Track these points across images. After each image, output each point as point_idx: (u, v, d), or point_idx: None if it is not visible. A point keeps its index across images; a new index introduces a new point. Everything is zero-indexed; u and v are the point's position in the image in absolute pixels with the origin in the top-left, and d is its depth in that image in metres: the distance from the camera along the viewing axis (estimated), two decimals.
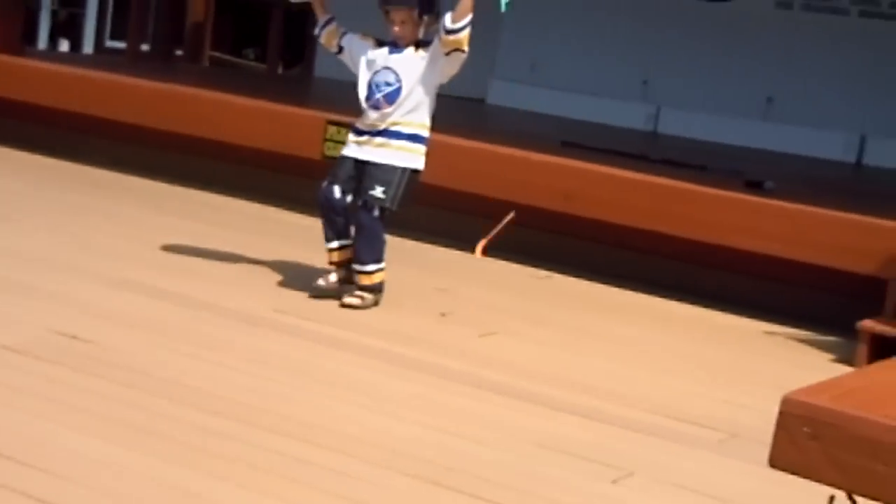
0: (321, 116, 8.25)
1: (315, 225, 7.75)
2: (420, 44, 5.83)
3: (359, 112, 5.94)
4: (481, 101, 12.28)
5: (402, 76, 5.80)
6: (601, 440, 4.34)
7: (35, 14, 22.75)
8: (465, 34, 5.66)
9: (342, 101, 7.28)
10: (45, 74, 9.56)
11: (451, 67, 5.80)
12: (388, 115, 5.80)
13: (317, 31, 6.13)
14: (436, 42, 5.76)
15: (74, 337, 4.76)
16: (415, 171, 5.87)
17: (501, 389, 4.80)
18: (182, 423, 3.96)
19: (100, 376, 4.34)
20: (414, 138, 5.84)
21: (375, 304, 5.90)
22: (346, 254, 5.93)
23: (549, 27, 12.54)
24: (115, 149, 9.21)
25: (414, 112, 5.82)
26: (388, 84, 5.81)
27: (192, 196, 8.41)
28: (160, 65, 12.66)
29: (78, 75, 9.56)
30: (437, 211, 8.02)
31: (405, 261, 7.05)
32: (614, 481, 3.94)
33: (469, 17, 5.64)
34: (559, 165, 7.63)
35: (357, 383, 4.68)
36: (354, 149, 5.90)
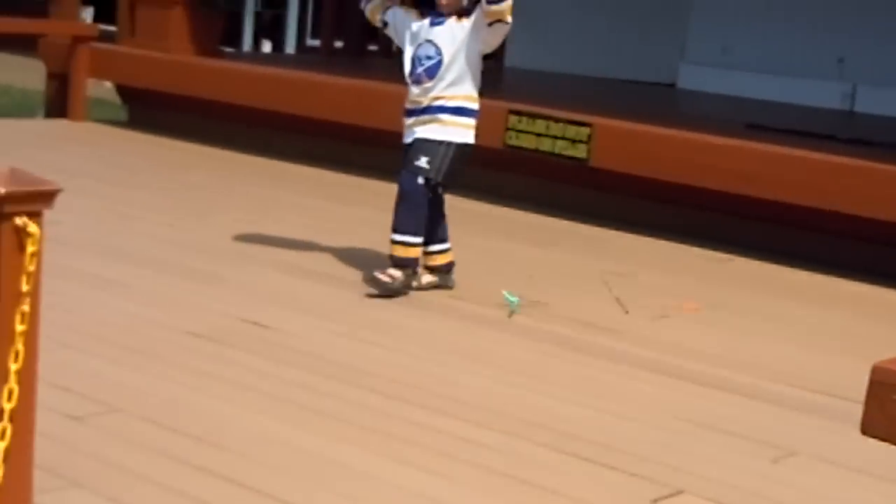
0: (503, 106, 8.36)
1: (493, 213, 7.88)
2: (463, 13, 5.57)
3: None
4: (672, 85, 12.21)
5: (442, 48, 5.56)
6: (763, 420, 4.34)
7: (239, 16, 23.54)
8: (507, 4, 5.35)
9: (526, 90, 7.38)
10: (239, 75, 9.95)
11: (494, 38, 5.52)
12: (430, 89, 5.58)
13: (362, 4, 5.93)
14: (478, 11, 5.47)
15: (256, 323, 5.00)
16: (464, 146, 5.63)
17: (668, 371, 4.83)
18: (355, 405, 4.13)
19: (278, 360, 4.55)
20: (459, 111, 5.60)
21: (405, 286, 5.64)
22: (438, 258, 5.82)
23: (739, 10, 12.39)
24: (305, 143, 9.52)
25: (457, 85, 5.57)
26: (428, 58, 5.59)
27: (379, 187, 8.62)
28: (352, 60, 12.98)
29: (268, 74, 9.92)
30: (612, 195, 8.07)
31: (582, 246, 7.12)
32: (775, 460, 3.94)
33: None
34: (740, 148, 7.57)
35: (526, 366, 4.78)
36: (407, 134, 5.70)
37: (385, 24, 5.86)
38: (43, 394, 3.81)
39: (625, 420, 4.22)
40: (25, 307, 3.06)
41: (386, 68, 13.13)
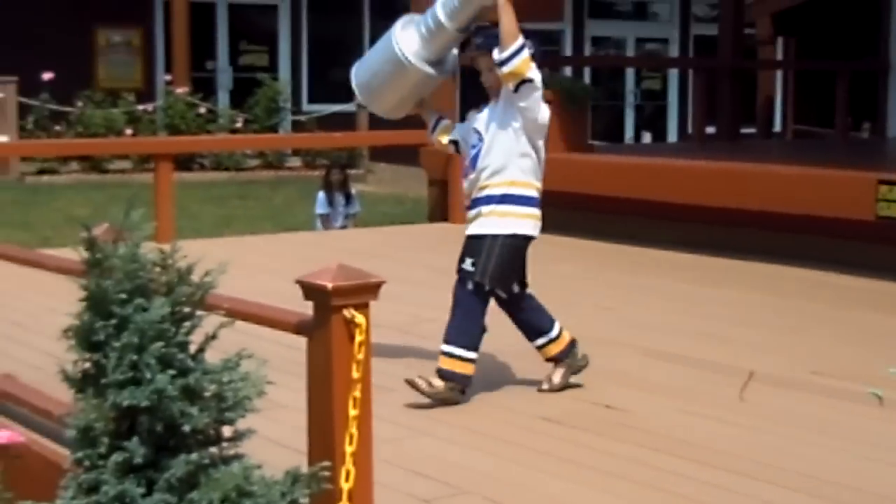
0: (871, 177, 8.11)
1: (865, 286, 7.61)
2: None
3: None
4: None
5: (483, 134, 5.09)
6: None
7: (622, 111, 23.97)
8: (518, 61, 4.85)
9: None
10: (607, 167, 10.15)
11: (526, 103, 4.95)
12: (476, 181, 5.07)
13: (429, 136, 5.53)
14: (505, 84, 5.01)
15: (608, 406, 5.07)
16: (513, 237, 5.03)
17: None
18: (706, 485, 4.12)
19: (624, 441, 4.60)
20: (504, 199, 5.01)
21: (444, 400, 5.00)
22: (549, 350, 5.29)
23: None
24: (672, 229, 9.56)
25: (501, 172, 5.00)
26: (473, 147, 5.15)
27: (742, 267, 8.54)
28: (726, 144, 12.93)
29: (635, 164, 10.05)
30: None
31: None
32: None
33: (516, 43, 4.87)
34: None
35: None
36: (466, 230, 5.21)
37: (455, 143, 5.41)
38: (395, 477, 4.07)
39: None
40: (356, 393, 3.29)
41: (760, 149, 13.02)
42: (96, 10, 19.75)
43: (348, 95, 20.00)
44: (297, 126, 19.41)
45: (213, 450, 3.14)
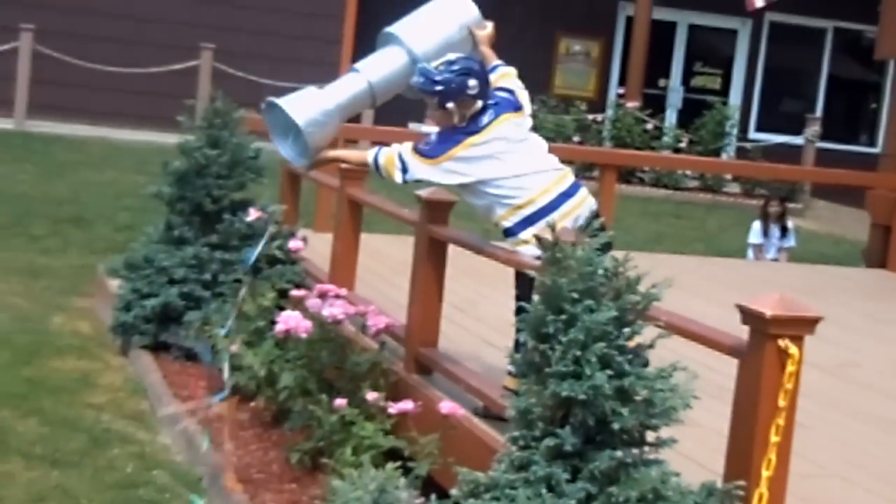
0: None
1: None
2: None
3: None
4: None
5: None
6: None
7: None
8: (383, 173, 5.16)
9: None
10: None
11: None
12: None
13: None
14: None
15: None
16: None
17: None
18: None
19: None
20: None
21: None
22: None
23: None
24: None
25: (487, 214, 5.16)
26: None
27: None
28: None
29: None
30: None
31: None
32: None
33: (370, 163, 5.21)
34: None
35: None
36: None
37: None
38: None
39: None
40: (780, 421, 3.39)
41: None
42: (562, 18, 20.48)
43: (798, 127, 19.73)
44: (740, 153, 19.31)
45: (636, 451, 3.34)
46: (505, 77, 5.29)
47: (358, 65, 5.44)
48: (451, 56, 5.11)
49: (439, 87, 4.99)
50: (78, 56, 16.70)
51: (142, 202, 10.13)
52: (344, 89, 5.36)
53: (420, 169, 5.07)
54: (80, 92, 16.96)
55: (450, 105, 5.00)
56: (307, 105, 5.24)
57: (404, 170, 5.10)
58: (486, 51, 5.40)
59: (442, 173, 5.07)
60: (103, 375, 6.98)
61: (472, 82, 5.00)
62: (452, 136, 5.06)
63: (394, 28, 5.41)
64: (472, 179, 5.05)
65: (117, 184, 12.75)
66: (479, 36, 5.39)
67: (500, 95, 5.16)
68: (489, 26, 5.44)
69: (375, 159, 5.19)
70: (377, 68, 5.37)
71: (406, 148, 5.13)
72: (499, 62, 5.38)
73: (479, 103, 5.05)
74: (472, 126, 5.04)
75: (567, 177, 5.16)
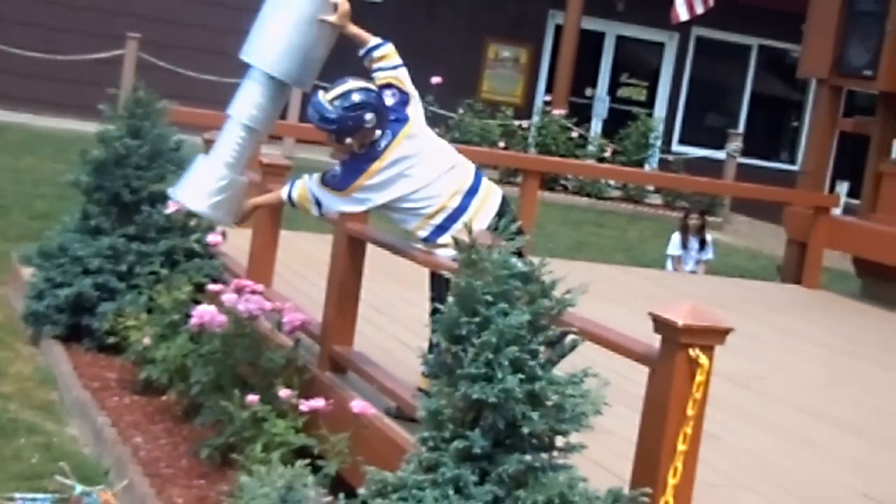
0: None
1: None
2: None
3: None
4: None
5: None
6: None
7: None
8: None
9: None
10: None
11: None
12: None
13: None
14: None
15: None
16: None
17: None
18: None
19: None
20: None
21: None
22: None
23: None
24: None
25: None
26: None
27: None
28: None
29: None
30: None
31: None
32: None
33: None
34: None
35: None
36: None
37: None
38: None
39: None
40: (688, 429, 3.42)
41: None
42: (492, 24, 20.53)
43: (720, 142, 19.96)
44: (663, 164, 19.49)
45: (545, 455, 3.35)
46: (386, 58, 5.17)
47: (230, 109, 5.39)
48: (346, 87, 4.98)
49: (334, 126, 4.98)
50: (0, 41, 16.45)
51: (59, 190, 10.00)
52: (227, 144, 5.36)
53: (332, 201, 5.18)
54: (0, 77, 16.70)
55: (348, 140, 5.01)
56: (200, 185, 5.31)
57: (318, 203, 5.23)
58: (354, 31, 5.21)
59: (354, 203, 5.13)
60: (13, 364, 6.87)
61: (369, 116, 4.96)
62: (356, 165, 5.06)
63: (244, 54, 5.30)
64: (386, 200, 5.07)
65: (35, 171, 12.56)
66: (334, 21, 5.18)
67: (391, 112, 5.07)
68: (341, 3, 5.18)
69: (290, 196, 5.31)
70: (245, 106, 5.33)
71: (315, 182, 5.20)
72: (375, 41, 5.18)
73: (378, 132, 5.02)
74: (372, 152, 5.03)
75: (468, 170, 5.17)
